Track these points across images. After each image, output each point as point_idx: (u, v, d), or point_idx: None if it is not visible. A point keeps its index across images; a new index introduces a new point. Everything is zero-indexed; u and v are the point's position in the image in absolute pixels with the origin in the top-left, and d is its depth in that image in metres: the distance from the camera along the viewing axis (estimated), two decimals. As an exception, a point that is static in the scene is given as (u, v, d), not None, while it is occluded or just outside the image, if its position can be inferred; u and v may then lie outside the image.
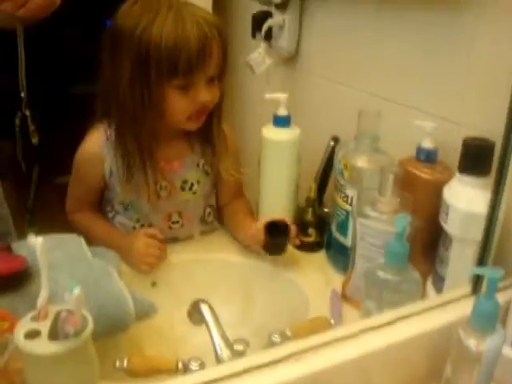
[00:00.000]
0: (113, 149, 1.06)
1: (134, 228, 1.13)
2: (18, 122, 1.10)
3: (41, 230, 1.14)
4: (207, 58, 0.99)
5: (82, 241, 0.94)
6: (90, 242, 0.96)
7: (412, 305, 0.78)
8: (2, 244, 0.86)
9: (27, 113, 1.10)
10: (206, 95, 1.01)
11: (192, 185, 1.13)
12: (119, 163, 1.06)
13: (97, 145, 1.08)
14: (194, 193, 1.13)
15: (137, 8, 1.00)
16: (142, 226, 1.13)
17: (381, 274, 0.79)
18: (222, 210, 1.21)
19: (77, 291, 0.60)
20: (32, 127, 1.11)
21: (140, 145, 1.04)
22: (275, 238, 1.04)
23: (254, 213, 1.19)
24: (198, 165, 1.13)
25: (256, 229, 1.05)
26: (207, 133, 1.11)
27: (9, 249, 0.85)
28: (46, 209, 1.28)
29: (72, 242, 0.93)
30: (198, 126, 1.07)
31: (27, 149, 1.12)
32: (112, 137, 1.06)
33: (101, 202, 1.17)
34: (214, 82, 1.03)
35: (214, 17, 1.04)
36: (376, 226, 0.88)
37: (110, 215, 1.15)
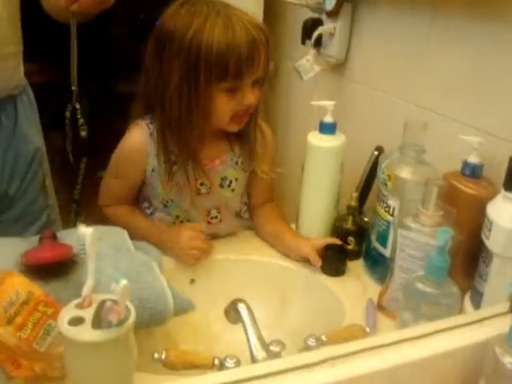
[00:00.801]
0: (155, 146, 1.08)
1: (174, 224, 1.15)
2: (68, 114, 1.13)
3: (86, 221, 1.17)
4: (256, 61, 1.01)
5: (126, 234, 0.96)
6: (130, 235, 0.98)
7: (449, 319, 0.77)
8: (48, 232, 0.89)
9: (77, 106, 1.13)
10: (251, 97, 1.04)
11: (231, 182, 1.14)
12: (161, 160, 1.08)
13: (140, 141, 1.10)
14: (233, 190, 1.15)
15: (185, 11, 1.01)
16: (181, 222, 1.15)
17: (420, 286, 0.80)
18: (253, 211, 1.23)
19: (123, 282, 0.61)
20: (81, 120, 1.14)
21: (184, 144, 1.06)
22: (337, 261, 1.06)
23: (285, 218, 1.20)
24: (236, 163, 1.15)
25: (308, 251, 1.07)
26: (246, 133, 1.13)
27: (54, 237, 0.88)
28: (90, 200, 1.31)
29: (116, 234, 0.95)
30: (240, 127, 1.09)
31: (76, 141, 1.15)
32: (155, 133, 1.08)
33: (137, 198, 1.18)
34: (256, 85, 1.05)
35: (259, 20, 1.06)
36: (417, 238, 0.88)
37: (148, 211, 1.16)
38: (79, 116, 1.14)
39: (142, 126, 1.10)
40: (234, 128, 1.09)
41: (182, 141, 1.06)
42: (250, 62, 1.00)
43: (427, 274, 0.79)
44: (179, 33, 0.99)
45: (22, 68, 1.16)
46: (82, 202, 1.24)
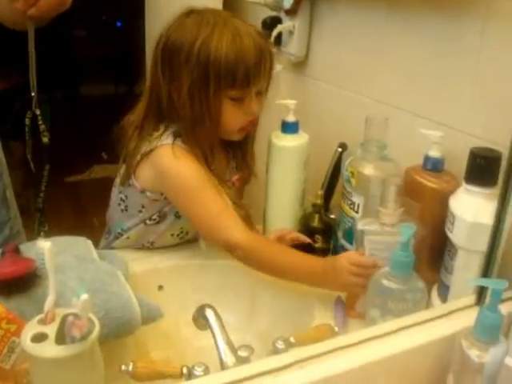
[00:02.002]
0: None
1: (172, 236, 1.13)
2: (27, 121, 1.11)
3: (51, 230, 1.15)
4: (262, 70, 1.02)
5: (90, 243, 0.95)
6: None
7: (416, 314, 0.78)
8: (11, 246, 0.87)
9: (37, 112, 1.10)
10: (256, 107, 1.04)
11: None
12: None
13: (185, 156, 1.04)
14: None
15: (191, 21, 1.01)
16: (181, 233, 1.14)
17: (385, 282, 0.80)
18: None
19: (84, 296, 0.60)
20: (42, 126, 1.12)
21: (202, 152, 1.05)
22: None
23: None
24: (233, 168, 1.17)
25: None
26: (245, 143, 1.14)
27: (17, 250, 0.86)
28: (55, 208, 1.28)
29: (80, 244, 0.94)
30: (242, 137, 1.10)
31: (37, 148, 1.13)
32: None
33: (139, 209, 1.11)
34: (259, 95, 1.05)
35: (262, 31, 1.08)
36: (384, 239, 0.88)
37: (151, 222, 1.11)
38: (40, 122, 1.12)
39: (179, 145, 1.04)
40: (239, 137, 1.10)
41: (200, 148, 1.05)
42: (257, 70, 1.01)
43: (392, 270, 0.80)
44: (187, 43, 0.99)
45: None
46: (46, 210, 1.22)
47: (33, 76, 1.07)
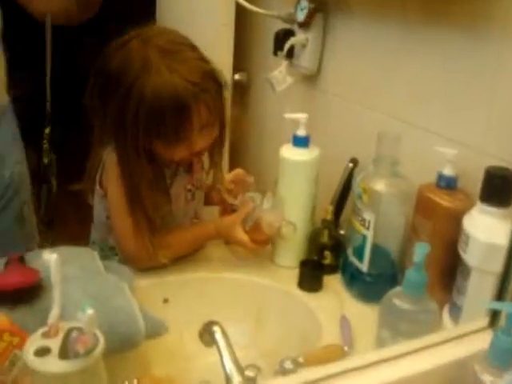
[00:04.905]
0: None
1: None
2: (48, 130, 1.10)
3: (57, 240, 1.13)
4: (201, 113, 0.97)
5: (96, 254, 0.94)
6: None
7: (428, 336, 0.76)
8: (15, 255, 0.86)
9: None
10: (200, 143, 1.01)
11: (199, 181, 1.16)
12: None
13: None
14: (198, 188, 1.16)
15: (126, 53, 0.98)
16: None
17: (397, 302, 0.78)
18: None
19: (90, 311, 0.59)
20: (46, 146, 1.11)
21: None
22: (313, 276, 1.05)
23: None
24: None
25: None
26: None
27: (22, 260, 0.85)
28: (62, 218, 1.27)
29: (86, 255, 0.93)
30: (189, 162, 1.10)
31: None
32: None
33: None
34: (207, 128, 1.01)
35: (207, 63, 1.01)
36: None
37: None
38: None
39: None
40: (184, 164, 1.09)
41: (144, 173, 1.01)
42: (188, 126, 0.96)
43: (404, 290, 0.78)
44: (124, 81, 0.95)
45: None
46: (52, 220, 1.21)
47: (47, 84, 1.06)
